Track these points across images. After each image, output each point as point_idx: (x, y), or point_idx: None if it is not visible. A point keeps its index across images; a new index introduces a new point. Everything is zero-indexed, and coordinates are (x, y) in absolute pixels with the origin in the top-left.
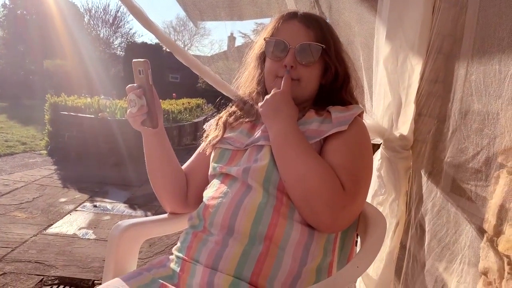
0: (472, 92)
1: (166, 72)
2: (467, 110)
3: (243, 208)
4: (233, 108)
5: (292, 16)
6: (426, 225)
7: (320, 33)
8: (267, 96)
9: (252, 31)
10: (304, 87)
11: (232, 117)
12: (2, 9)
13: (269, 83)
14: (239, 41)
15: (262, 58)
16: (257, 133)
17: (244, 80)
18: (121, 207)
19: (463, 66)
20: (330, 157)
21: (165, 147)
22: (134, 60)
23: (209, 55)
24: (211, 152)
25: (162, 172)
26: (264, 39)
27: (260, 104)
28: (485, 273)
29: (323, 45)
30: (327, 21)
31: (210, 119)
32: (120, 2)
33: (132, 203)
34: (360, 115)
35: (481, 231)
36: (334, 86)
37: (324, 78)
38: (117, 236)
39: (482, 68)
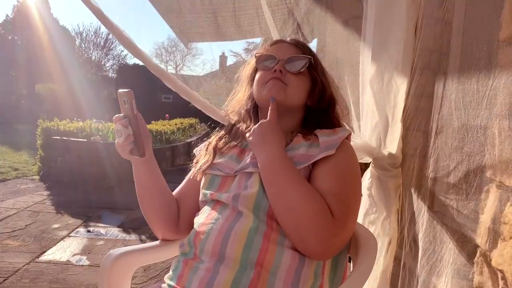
0: (452, 110)
1: (158, 92)
2: (448, 128)
3: (234, 234)
4: (222, 133)
5: (280, 40)
6: (419, 243)
7: (307, 51)
8: (254, 126)
9: (244, 49)
10: (290, 93)
11: (222, 141)
12: None
13: (259, 92)
14: (230, 60)
15: (252, 76)
16: (247, 159)
17: (235, 102)
18: (115, 231)
19: (447, 83)
20: (319, 184)
21: (155, 175)
22: (119, 90)
23: (201, 74)
24: (201, 178)
25: (152, 200)
26: (255, 54)
27: (247, 134)
28: None
29: (310, 57)
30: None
31: (200, 144)
32: None
33: (126, 227)
34: (348, 137)
35: (465, 247)
36: (321, 106)
37: (312, 96)
38: (109, 265)
39: (461, 87)
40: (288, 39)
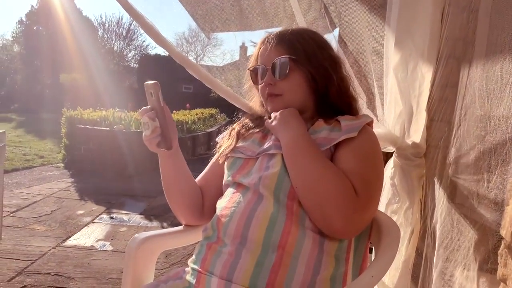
0: (475, 98)
1: (179, 83)
2: (471, 116)
3: (256, 218)
4: (246, 120)
5: (266, 40)
6: (437, 233)
7: (289, 45)
8: (274, 113)
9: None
10: (289, 99)
11: (244, 128)
12: (19, 26)
13: (265, 103)
14: (250, 50)
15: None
16: (268, 143)
17: (252, 103)
18: (137, 218)
19: (469, 71)
20: (342, 164)
21: (181, 167)
22: (145, 82)
23: (221, 65)
24: (224, 162)
25: (177, 190)
26: (248, 69)
27: (269, 120)
28: (504, 280)
29: (291, 56)
30: (335, 31)
31: (223, 130)
32: None
33: (148, 214)
34: (370, 124)
35: (487, 238)
36: (321, 89)
37: (311, 85)
38: (134, 248)
39: (485, 75)
40: (271, 35)
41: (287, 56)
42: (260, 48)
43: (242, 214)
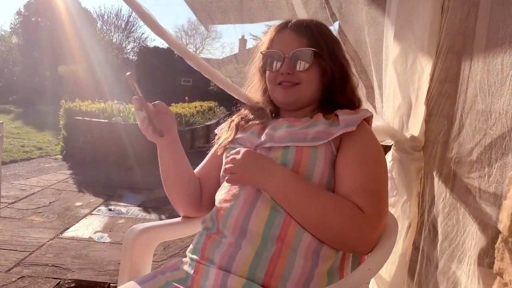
0: (477, 91)
1: (178, 75)
2: (472, 110)
3: (256, 211)
4: (245, 111)
5: (284, 26)
6: (438, 226)
7: (311, 38)
8: (235, 157)
9: (263, 33)
10: (304, 90)
11: (244, 119)
12: (17, 17)
13: (272, 91)
14: (250, 43)
15: (263, 69)
16: (263, 136)
17: (251, 93)
18: (135, 210)
19: (471, 65)
20: (345, 178)
21: (179, 157)
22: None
23: (220, 58)
24: (222, 153)
25: (176, 180)
26: (261, 52)
27: (227, 176)
28: (500, 274)
29: (315, 49)
30: (335, 23)
31: (222, 122)
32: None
33: (146, 206)
34: (369, 119)
35: (486, 232)
36: (334, 86)
37: (324, 80)
38: (132, 239)
39: (486, 68)
40: (291, 24)
41: (312, 49)
42: (275, 33)
43: (242, 208)
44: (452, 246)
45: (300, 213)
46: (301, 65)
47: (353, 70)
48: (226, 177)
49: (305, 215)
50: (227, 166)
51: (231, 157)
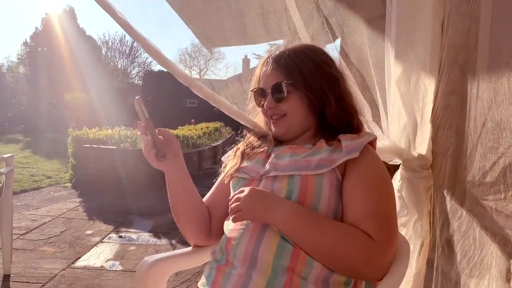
0: (485, 110)
1: (183, 98)
2: (482, 128)
3: (265, 240)
4: (250, 139)
5: (266, 62)
6: (455, 245)
7: (287, 69)
8: (239, 196)
9: (266, 51)
10: (292, 119)
11: (249, 147)
12: (24, 47)
13: (268, 124)
14: (253, 63)
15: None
16: (267, 165)
17: (257, 119)
18: (146, 236)
19: (477, 81)
20: (353, 205)
21: (187, 185)
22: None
23: (224, 78)
24: (229, 182)
25: (184, 207)
26: (251, 91)
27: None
28: None
29: (288, 81)
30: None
31: (227, 148)
32: None
33: (156, 232)
34: (373, 142)
35: (505, 251)
36: (324, 110)
37: (310, 106)
38: (144, 272)
39: (492, 87)
40: (271, 57)
41: (283, 81)
42: (261, 70)
43: (250, 237)
44: (470, 266)
45: (308, 246)
46: (279, 98)
47: (346, 86)
48: (232, 217)
49: (314, 247)
50: (233, 205)
51: (236, 196)
